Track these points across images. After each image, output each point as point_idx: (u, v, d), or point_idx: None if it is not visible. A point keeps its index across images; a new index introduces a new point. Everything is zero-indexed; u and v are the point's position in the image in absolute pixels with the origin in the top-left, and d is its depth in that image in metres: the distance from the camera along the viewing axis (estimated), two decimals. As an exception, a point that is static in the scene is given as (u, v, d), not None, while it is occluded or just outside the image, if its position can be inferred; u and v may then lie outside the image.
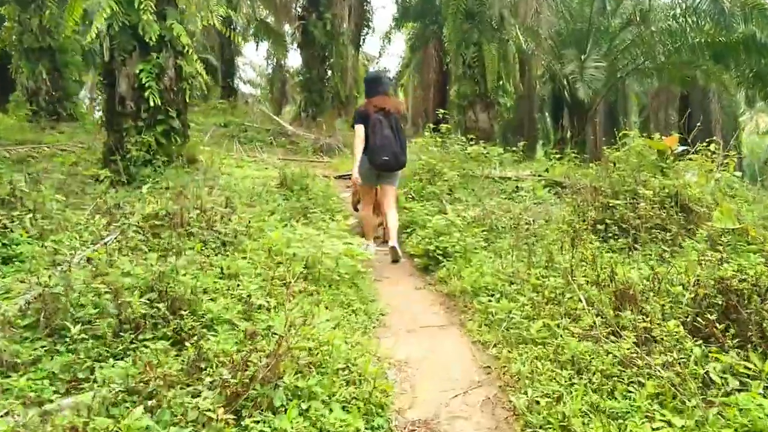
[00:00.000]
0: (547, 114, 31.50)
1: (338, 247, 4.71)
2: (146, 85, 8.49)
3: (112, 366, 2.78)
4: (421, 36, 24.73)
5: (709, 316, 3.24)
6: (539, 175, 9.70)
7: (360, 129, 6.59)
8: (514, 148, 10.83)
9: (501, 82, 18.31)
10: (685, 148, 6.86)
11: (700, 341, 3.15)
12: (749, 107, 33.33)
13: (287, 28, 26.52)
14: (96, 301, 3.28)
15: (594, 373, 3.02)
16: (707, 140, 6.83)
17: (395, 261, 6.47)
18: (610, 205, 5.62)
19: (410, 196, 8.44)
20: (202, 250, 4.75)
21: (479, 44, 17.57)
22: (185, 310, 3.36)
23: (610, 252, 5.16)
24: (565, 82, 22.70)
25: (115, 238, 4.64)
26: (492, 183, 8.95)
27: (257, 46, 50.08)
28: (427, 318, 4.67)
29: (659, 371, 2.87)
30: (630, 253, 5.17)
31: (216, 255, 4.70)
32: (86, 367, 2.82)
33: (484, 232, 6.21)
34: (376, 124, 6.47)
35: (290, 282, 3.95)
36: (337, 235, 5.03)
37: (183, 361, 2.85)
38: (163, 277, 3.52)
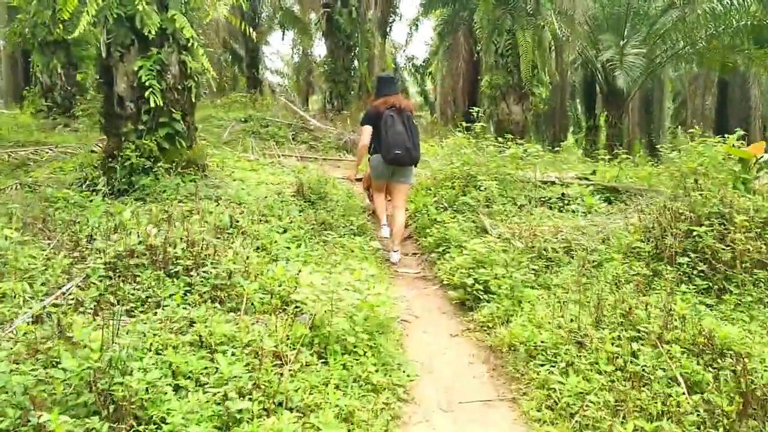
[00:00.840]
0: (578, 101, 30.30)
1: (356, 295, 3.72)
2: (146, 83, 7.58)
3: None
4: (450, 23, 23.56)
5: None
6: (586, 178, 8.59)
7: (366, 130, 6.54)
8: (554, 148, 9.77)
9: (536, 72, 17.10)
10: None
11: None
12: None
13: (313, 16, 25.57)
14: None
15: None
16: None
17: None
18: (693, 233, 4.55)
19: (442, 206, 7.43)
20: (184, 298, 3.81)
21: (513, 31, 16.47)
22: (135, 417, 2.42)
23: (697, 294, 4.11)
24: (601, 69, 21.50)
25: (77, 285, 3.72)
26: (533, 188, 7.87)
27: (283, 35, 49.42)
28: (467, 386, 3.67)
29: None
30: (721, 296, 4.12)
31: (203, 303, 3.77)
32: None
33: (532, 258, 5.18)
34: (387, 120, 6.38)
35: (287, 358, 2.99)
36: (356, 274, 4.04)
37: None
38: (110, 365, 2.57)
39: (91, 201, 6.81)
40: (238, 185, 8.33)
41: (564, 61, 23.98)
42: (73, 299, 3.53)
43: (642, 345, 3.40)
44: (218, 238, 5.59)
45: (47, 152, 10.19)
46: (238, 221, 5.93)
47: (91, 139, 10.90)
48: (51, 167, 8.86)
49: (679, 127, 33.55)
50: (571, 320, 3.81)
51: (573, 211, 7.03)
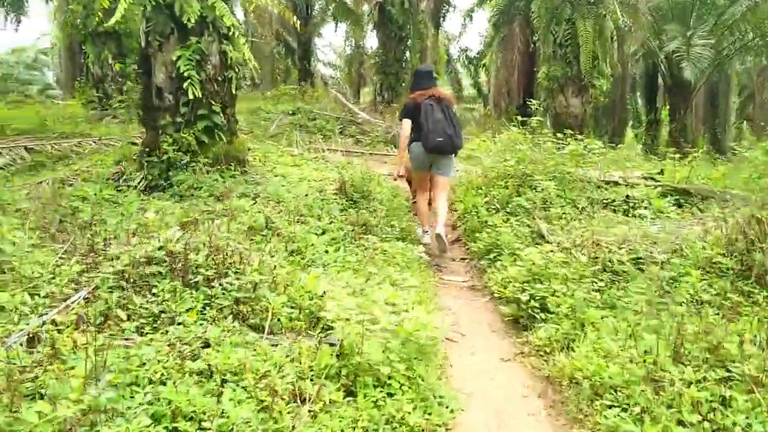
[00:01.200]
0: (638, 94, 29.07)
1: (393, 317, 3.23)
2: (185, 74, 7.25)
3: None
4: (506, 12, 22.71)
5: None
6: (652, 179, 7.88)
7: (407, 124, 6.47)
8: (613, 143, 9.04)
9: (596, 63, 16.22)
10: None
11: None
12: None
13: (365, 7, 25.14)
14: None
15: None
16: None
17: (442, 251, 6.35)
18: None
19: (493, 207, 6.88)
20: (202, 313, 3.40)
21: (572, 21, 15.65)
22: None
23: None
24: (665, 61, 20.47)
25: (84, 297, 3.34)
26: (594, 189, 7.23)
27: (336, 27, 49.28)
28: (521, 425, 3.15)
29: None
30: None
31: (223, 320, 3.35)
32: None
33: (595, 272, 4.61)
34: (427, 109, 6.28)
35: (308, 394, 2.53)
36: (392, 296, 3.54)
37: None
38: (90, 410, 2.16)
39: (125, 197, 6.53)
40: (279, 181, 7.96)
41: (624, 53, 22.98)
42: (76, 314, 3.16)
43: (734, 390, 2.82)
44: (251, 240, 5.23)
45: (91, 144, 10.02)
46: (273, 222, 5.53)
47: (131, 131, 10.70)
48: (91, 160, 8.64)
49: (744, 122, 31.97)
50: (645, 352, 3.25)
51: (640, 216, 6.39)
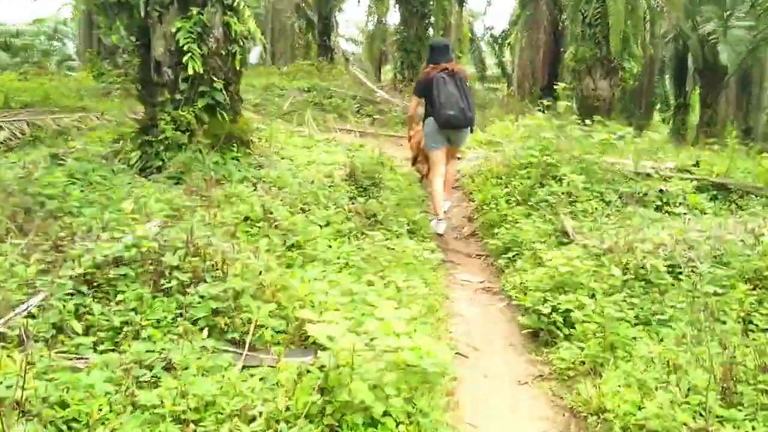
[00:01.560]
0: (667, 78, 28.07)
1: (391, 340, 2.74)
2: (185, 47, 6.76)
3: None
4: (533, -10, 21.94)
5: None
6: (687, 171, 7.27)
7: (416, 100, 6.49)
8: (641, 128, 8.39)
9: (627, 44, 15.46)
10: None
11: None
12: None
13: (389, -18, 24.38)
14: None
15: None
16: None
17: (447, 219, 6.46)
18: None
19: (514, 199, 6.34)
20: (172, 325, 2.94)
21: (603, -1, 14.90)
22: None
23: None
24: (699, 43, 19.62)
25: (38, 304, 2.89)
26: (625, 181, 6.65)
27: (359, 1, 48.46)
28: (539, 472, 2.67)
29: None
30: None
31: (196, 334, 2.89)
32: None
33: (626, 281, 4.08)
34: (439, 82, 6.10)
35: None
36: (387, 326, 3.01)
37: None
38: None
39: (118, 179, 6.09)
40: (286, 165, 7.49)
41: (655, 34, 22.09)
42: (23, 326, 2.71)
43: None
44: (247, 231, 4.78)
45: (92, 120, 9.59)
46: (271, 212, 5.04)
47: (136, 107, 10.25)
48: (89, 137, 8.21)
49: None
50: (689, 390, 2.73)
51: (674, 214, 5.83)
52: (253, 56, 27.24)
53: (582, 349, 3.44)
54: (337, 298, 3.32)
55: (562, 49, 20.43)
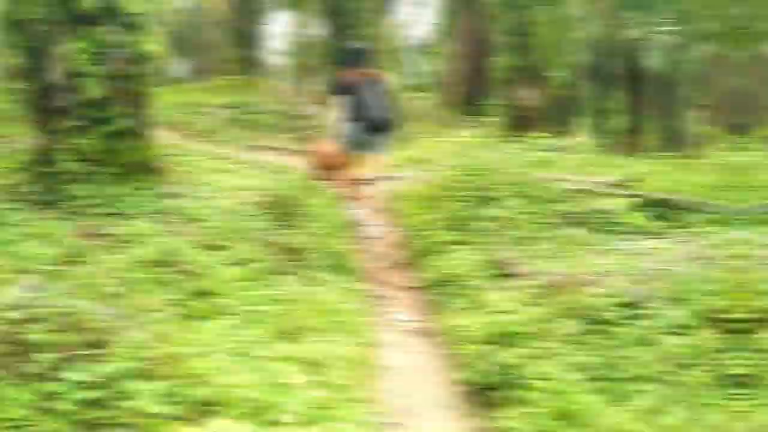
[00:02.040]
0: (593, 84, 28.58)
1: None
2: (84, 70, 6.12)
3: None
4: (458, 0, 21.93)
5: None
6: (628, 185, 6.99)
7: (338, 100, 6.36)
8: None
9: (553, 53, 15.48)
10: None
11: None
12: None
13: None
14: None
15: None
16: None
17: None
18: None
19: (447, 225, 5.92)
20: (26, 425, 2.37)
21: (528, 8, 14.82)
22: None
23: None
24: (625, 49, 20.01)
25: None
26: (563, 200, 6.34)
27: (283, 14, 47.78)
28: None
29: None
30: None
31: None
32: None
33: (581, 328, 3.65)
34: (362, 87, 6.21)
35: None
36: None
37: None
38: None
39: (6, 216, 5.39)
40: (205, 192, 6.88)
41: (580, 40, 22.43)
42: None
43: None
44: (144, 281, 4.18)
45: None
46: (176, 256, 4.46)
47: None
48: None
49: (701, 113, 31.82)
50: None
51: (619, 232, 5.55)
52: (182, 71, 26.38)
53: (532, 417, 2.99)
54: (244, 374, 2.80)
55: (489, 59, 20.43)
